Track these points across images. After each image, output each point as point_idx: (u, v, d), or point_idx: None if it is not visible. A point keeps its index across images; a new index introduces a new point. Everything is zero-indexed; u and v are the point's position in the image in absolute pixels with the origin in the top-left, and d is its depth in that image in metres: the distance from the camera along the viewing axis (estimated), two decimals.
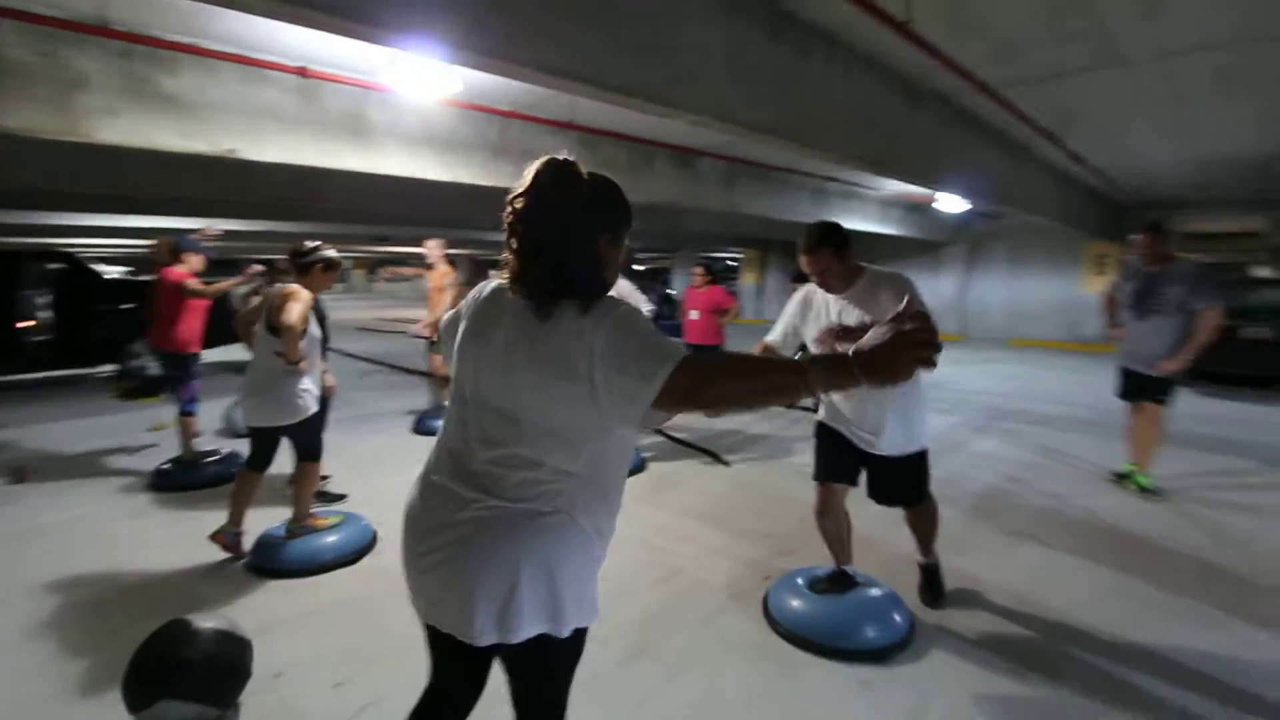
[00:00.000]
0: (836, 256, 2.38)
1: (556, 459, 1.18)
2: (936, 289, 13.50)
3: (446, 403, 5.23)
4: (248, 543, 3.26)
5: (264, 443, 3.22)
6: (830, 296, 2.49)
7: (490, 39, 2.45)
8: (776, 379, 1.06)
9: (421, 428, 5.76)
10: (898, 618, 2.56)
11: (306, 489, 3.28)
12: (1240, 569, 3.18)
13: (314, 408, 3.19)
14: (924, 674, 2.35)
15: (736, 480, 4.56)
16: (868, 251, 12.28)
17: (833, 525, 2.68)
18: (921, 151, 5.18)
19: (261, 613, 2.73)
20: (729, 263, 22.16)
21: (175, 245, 4.35)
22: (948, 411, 6.69)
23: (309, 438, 3.24)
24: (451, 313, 1.50)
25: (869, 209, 10.71)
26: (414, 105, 4.99)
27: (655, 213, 7.85)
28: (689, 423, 6.14)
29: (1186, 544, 3.46)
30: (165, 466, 4.41)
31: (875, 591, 2.68)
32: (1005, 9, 3.60)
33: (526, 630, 1.17)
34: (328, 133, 4.62)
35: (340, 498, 4.03)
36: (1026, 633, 2.63)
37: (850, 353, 1.01)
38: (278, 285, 3.22)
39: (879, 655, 2.42)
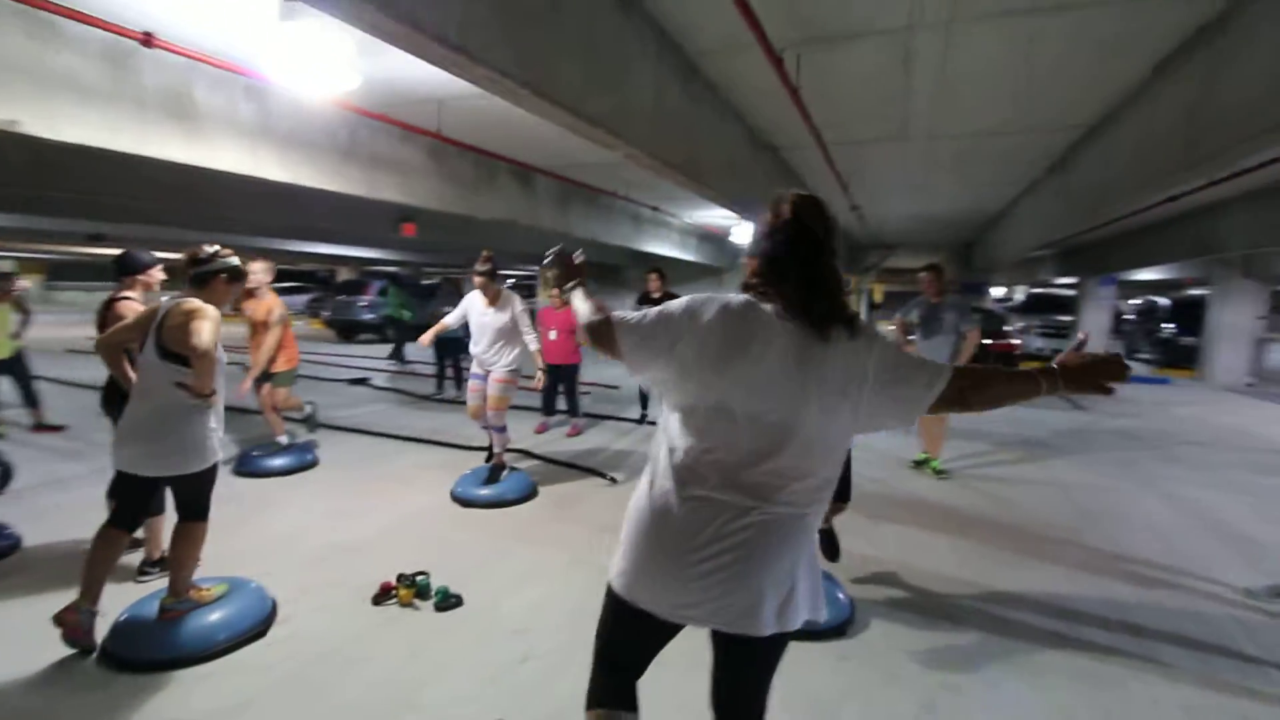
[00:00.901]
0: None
1: (824, 467, 1.31)
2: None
3: (308, 436, 4.57)
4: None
5: (140, 495, 2.57)
6: None
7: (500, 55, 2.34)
8: (1022, 386, 1.31)
9: (248, 468, 4.87)
10: (841, 596, 3.00)
11: (192, 555, 2.66)
12: (1018, 525, 4.30)
13: (220, 453, 2.62)
14: (878, 640, 2.81)
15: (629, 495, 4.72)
16: (689, 272, 13.38)
17: None
18: (758, 193, 5.97)
19: (177, 715, 2.17)
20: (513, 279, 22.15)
21: None
22: None
23: (204, 490, 2.64)
24: (655, 327, 1.37)
25: (673, 236, 11.71)
26: (250, 90, 4.30)
27: (496, 228, 7.68)
28: (563, 447, 6.16)
29: (980, 510, 4.56)
30: None
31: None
32: (849, 92, 4.41)
33: (799, 620, 1.33)
34: (145, 114, 3.76)
35: None
36: (923, 593, 3.27)
37: (1057, 365, 1.31)
38: (167, 298, 2.58)
39: (839, 630, 2.82)
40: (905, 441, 6.24)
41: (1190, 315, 13.37)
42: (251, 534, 3.74)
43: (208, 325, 2.44)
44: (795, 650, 2.68)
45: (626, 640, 1.49)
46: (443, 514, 4.25)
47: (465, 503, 4.37)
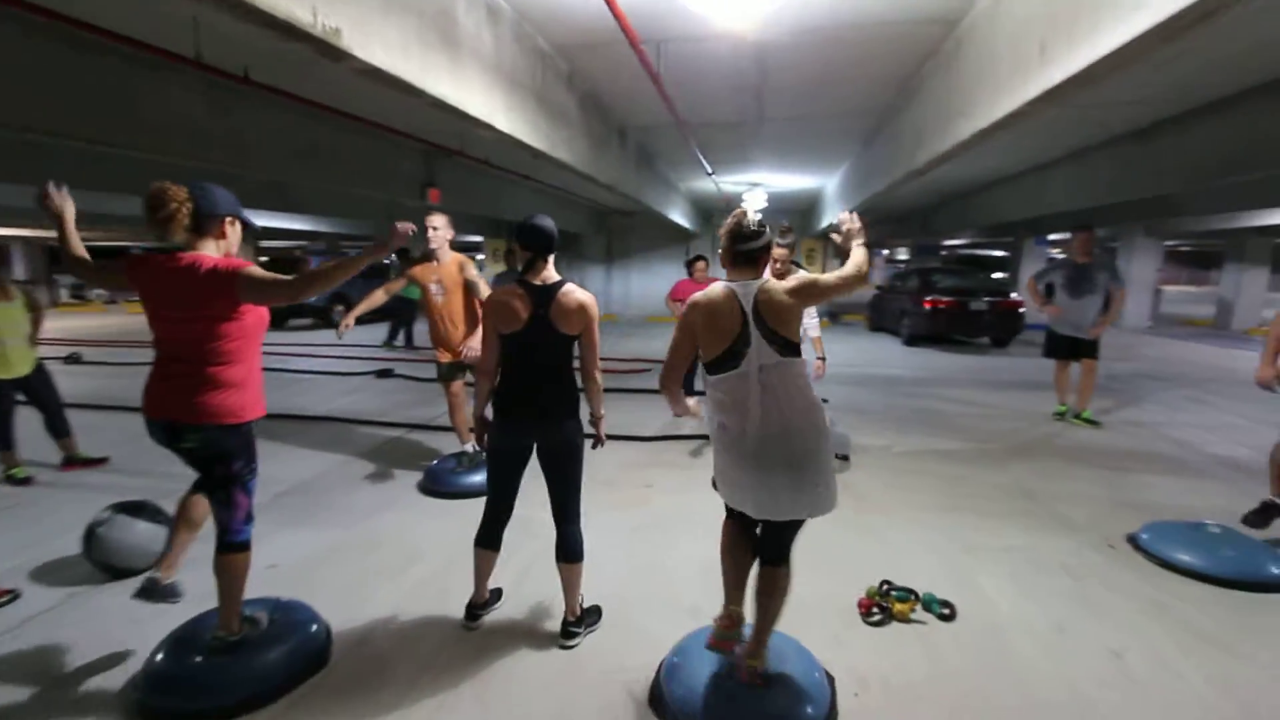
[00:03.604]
0: None
1: None
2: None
3: (470, 448, 3.92)
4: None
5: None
6: None
7: None
8: None
9: (445, 487, 4.02)
10: None
11: (782, 607, 2.11)
12: (1186, 459, 4.74)
13: None
14: None
15: (882, 473, 4.49)
16: (651, 236, 13.07)
17: None
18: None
19: None
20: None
21: (200, 202, 2.06)
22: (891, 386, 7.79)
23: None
24: None
25: (679, 202, 11.35)
26: (491, 10, 3.40)
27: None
28: None
29: (1148, 449, 4.98)
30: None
31: None
32: None
33: None
34: (426, 36, 2.82)
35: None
36: None
37: None
38: (747, 283, 1.97)
39: None
40: (1003, 397, 6.63)
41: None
42: (595, 568, 3.06)
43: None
44: None
45: None
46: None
47: None
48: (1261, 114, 5.38)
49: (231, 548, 2.19)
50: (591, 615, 2.57)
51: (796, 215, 14.71)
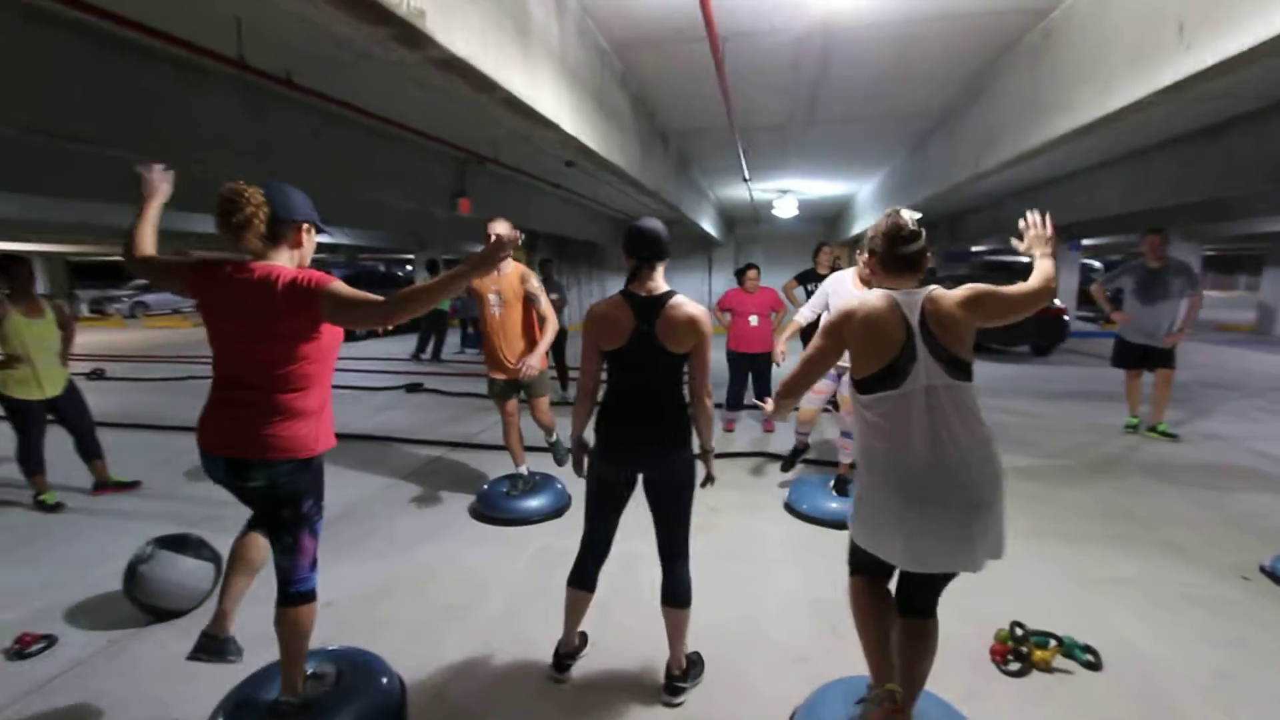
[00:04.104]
0: None
1: None
2: (714, 283, 15.22)
3: (525, 470, 3.62)
4: None
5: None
6: None
7: None
8: None
9: (502, 512, 3.73)
10: None
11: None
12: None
13: None
14: None
15: None
16: (674, 245, 13.06)
17: None
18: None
19: None
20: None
21: (276, 206, 1.81)
22: None
23: None
24: None
25: (709, 210, 11.12)
26: (559, 3, 3.17)
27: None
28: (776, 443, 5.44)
29: (1234, 464, 4.65)
30: None
31: None
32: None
33: None
34: (502, 23, 2.59)
35: None
36: None
37: None
38: (907, 293, 1.72)
39: None
40: (1085, 410, 6.30)
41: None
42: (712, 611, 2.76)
43: None
44: None
45: None
46: (816, 538, 3.52)
47: (832, 523, 3.64)
48: None
49: (297, 599, 1.92)
50: (696, 667, 2.29)
51: (821, 222, 14.44)
